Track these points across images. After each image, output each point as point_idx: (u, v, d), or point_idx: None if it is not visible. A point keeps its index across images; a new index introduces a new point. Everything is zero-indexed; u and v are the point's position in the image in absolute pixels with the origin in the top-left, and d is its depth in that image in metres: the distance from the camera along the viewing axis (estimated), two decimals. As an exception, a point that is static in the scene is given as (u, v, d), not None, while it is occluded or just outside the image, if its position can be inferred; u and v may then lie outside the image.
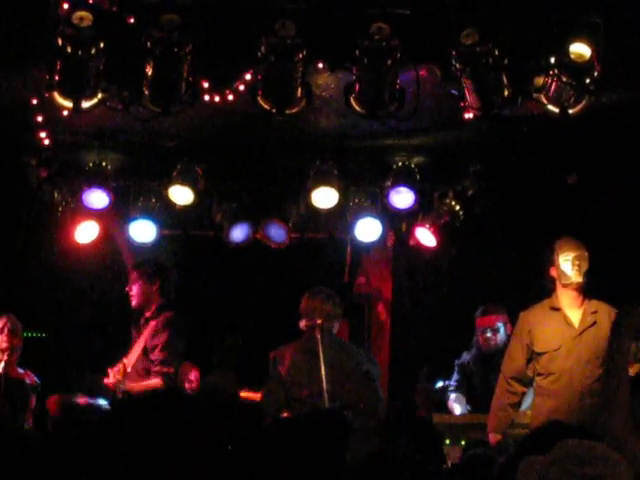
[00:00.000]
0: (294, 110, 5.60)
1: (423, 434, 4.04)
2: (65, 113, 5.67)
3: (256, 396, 6.79)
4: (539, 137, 6.71)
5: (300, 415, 5.62)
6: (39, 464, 3.04)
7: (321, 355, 6.11)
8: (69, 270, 7.98)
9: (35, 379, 7.00)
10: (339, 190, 7.27)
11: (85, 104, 5.41)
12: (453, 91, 5.58)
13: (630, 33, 5.49)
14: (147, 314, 6.96)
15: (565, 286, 6.11)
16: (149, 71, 5.30)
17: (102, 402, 6.74)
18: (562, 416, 5.64)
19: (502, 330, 7.28)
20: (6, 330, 6.81)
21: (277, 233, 7.82)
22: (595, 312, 6.09)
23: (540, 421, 5.57)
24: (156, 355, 6.75)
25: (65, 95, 5.40)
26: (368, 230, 7.60)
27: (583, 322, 6.10)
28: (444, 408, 7.35)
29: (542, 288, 6.28)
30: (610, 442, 3.34)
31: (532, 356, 6.18)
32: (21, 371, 6.96)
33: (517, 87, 5.55)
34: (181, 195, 7.31)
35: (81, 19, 5.05)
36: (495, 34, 5.24)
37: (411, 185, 7.34)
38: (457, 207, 7.76)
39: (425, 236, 7.87)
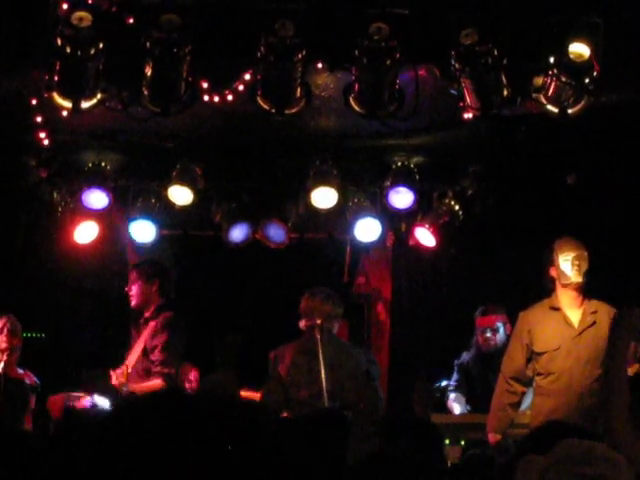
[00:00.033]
0: (293, 110, 5.60)
1: (423, 434, 4.04)
2: (64, 113, 5.67)
3: (256, 396, 6.78)
4: (538, 137, 6.71)
5: (300, 415, 5.62)
6: (39, 464, 3.04)
7: (321, 355, 6.11)
8: (69, 270, 7.98)
9: (35, 379, 6.99)
10: (338, 190, 7.27)
11: (84, 104, 5.41)
12: (452, 91, 5.58)
13: (630, 33, 5.49)
14: (146, 314, 6.96)
15: (565, 286, 6.11)
16: (148, 71, 5.30)
17: (102, 402, 6.73)
18: (562, 416, 5.65)
19: (502, 330, 7.27)
20: (6, 330, 6.80)
21: (276, 233, 7.82)
22: (595, 312, 6.09)
23: (540, 421, 5.57)
24: (156, 356, 6.75)
25: (64, 95, 5.40)
26: (367, 230, 7.59)
27: (583, 322, 6.10)
28: (443, 408, 7.35)
29: (542, 288, 6.28)
30: (610, 442, 3.34)
31: (532, 356, 6.18)
32: (21, 371, 6.95)
33: (516, 87, 5.55)
34: (180, 195, 7.31)
35: (80, 19, 5.06)
36: (494, 34, 5.25)
37: (410, 185, 7.34)
38: (456, 207, 7.75)
39: (424, 236, 7.86)
